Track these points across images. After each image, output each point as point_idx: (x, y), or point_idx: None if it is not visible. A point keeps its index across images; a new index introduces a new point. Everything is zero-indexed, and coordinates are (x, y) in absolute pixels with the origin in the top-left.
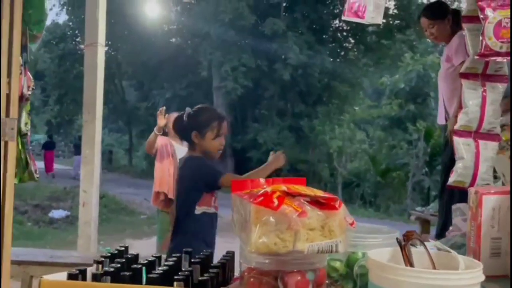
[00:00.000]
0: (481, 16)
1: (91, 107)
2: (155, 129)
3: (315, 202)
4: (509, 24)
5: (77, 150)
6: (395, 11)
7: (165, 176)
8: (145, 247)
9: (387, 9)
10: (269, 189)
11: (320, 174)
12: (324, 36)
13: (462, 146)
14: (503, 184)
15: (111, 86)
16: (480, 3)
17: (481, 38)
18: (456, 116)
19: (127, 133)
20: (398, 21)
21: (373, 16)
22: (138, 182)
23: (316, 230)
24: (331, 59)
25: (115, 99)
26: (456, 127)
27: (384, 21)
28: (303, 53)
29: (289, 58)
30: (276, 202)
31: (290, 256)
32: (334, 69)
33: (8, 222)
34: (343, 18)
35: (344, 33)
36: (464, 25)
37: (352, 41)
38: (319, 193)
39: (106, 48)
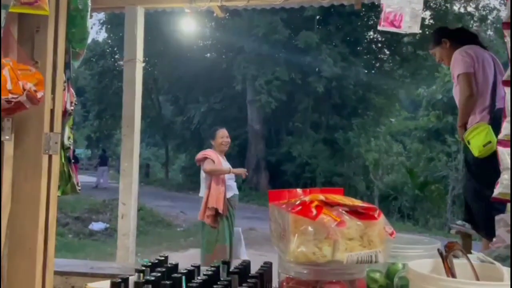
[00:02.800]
0: None
1: (129, 121)
2: (230, 169)
3: (354, 212)
4: None
5: (102, 161)
6: (431, 21)
7: (221, 193)
8: (182, 260)
9: (423, 19)
10: (307, 198)
11: (355, 187)
12: (358, 48)
13: (507, 156)
14: None
15: (148, 101)
16: None
17: None
18: (460, 126)
19: (164, 147)
20: None
21: (410, 26)
22: (174, 195)
23: (355, 240)
24: (366, 71)
25: (152, 114)
26: (500, 137)
27: (420, 31)
28: (337, 65)
29: (323, 70)
30: (314, 211)
31: (329, 266)
32: (369, 81)
33: (51, 234)
34: (379, 28)
35: (379, 45)
36: (505, 32)
37: (388, 52)
38: (358, 202)
39: (143, 64)
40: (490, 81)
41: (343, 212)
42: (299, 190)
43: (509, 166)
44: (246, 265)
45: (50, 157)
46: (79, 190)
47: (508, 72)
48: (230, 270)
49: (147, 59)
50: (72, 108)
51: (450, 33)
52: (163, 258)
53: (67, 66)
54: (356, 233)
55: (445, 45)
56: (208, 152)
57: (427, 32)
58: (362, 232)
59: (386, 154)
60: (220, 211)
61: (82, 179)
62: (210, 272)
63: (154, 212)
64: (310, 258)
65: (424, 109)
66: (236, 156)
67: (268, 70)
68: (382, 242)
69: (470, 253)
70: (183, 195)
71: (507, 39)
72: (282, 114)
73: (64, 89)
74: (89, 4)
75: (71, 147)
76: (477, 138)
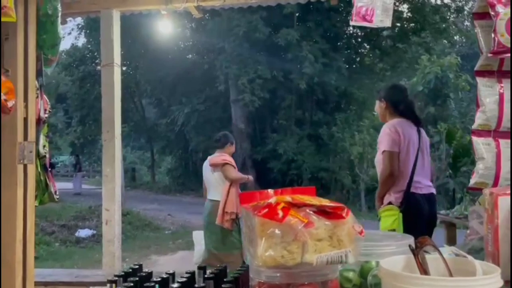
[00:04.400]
0: (492, 13)
1: (110, 126)
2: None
3: (322, 211)
4: None
5: (78, 167)
6: (409, 14)
7: (237, 198)
8: (171, 263)
9: (401, 12)
10: (273, 200)
11: (342, 181)
12: (338, 44)
13: (481, 146)
14: None
15: (131, 104)
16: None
17: (493, 35)
18: (378, 199)
19: (149, 150)
20: (413, 24)
21: (381, 19)
22: (162, 198)
23: (324, 240)
24: (347, 66)
25: (136, 117)
26: (473, 126)
27: (399, 24)
28: (318, 62)
29: (305, 67)
30: (281, 213)
31: (300, 268)
32: (350, 75)
33: (30, 245)
34: (351, 23)
35: (359, 39)
36: (476, 22)
37: (367, 46)
38: (326, 202)
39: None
40: (411, 163)
41: (311, 212)
42: (270, 191)
43: (484, 156)
44: (222, 270)
45: (25, 166)
46: (57, 199)
47: (480, 61)
48: (206, 275)
49: (128, 62)
50: (46, 115)
51: (390, 97)
52: (137, 266)
53: (39, 73)
54: (325, 233)
55: (383, 104)
56: (226, 157)
57: (405, 26)
58: (331, 232)
59: (371, 147)
60: (240, 215)
61: (67, 186)
62: (184, 279)
63: (141, 216)
64: (279, 262)
65: (409, 96)
66: None
67: (250, 69)
68: (352, 241)
69: (455, 242)
70: (170, 198)
71: (477, 29)
72: (266, 112)
73: (37, 97)
74: (59, 9)
75: (47, 156)
76: (386, 220)
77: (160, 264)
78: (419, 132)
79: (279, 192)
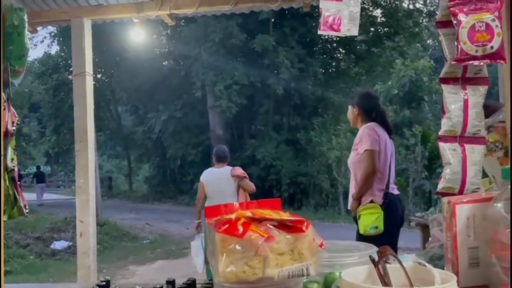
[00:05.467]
0: (455, 21)
1: (82, 136)
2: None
3: (283, 225)
4: (483, 28)
5: (39, 178)
6: (383, 19)
7: None
8: (150, 272)
9: (374, 17)
10: (233, 216)
11: (320, 185)
12: (314, 49)
13: (448, 151)
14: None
15: (107, 112)
16: (452, 8)
17: (456, 43)
18: (356, 199)
19: (126, 158)
20: (387, 29)
21: (348, 28)
22: (139, 207)
23: (286, 254)
24: (323, 71)
25: (112, 125)
26: (440, 133)
27: (373, 29)
28: (295, 67)
29: (281, 72)
30: (241, 229)
31: (262, 283)
32: (326, 80)
33: None
34: (319, 32)
35: (334, 44)
36: (439, 30)
37: (343, 51)
38: (285, 216)
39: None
40: (388, 164)
41: (272, 227)
42: (236, 205)
43: (450, 161)
44: (191, 284)
45: None
46: (27, 213)
47: (444, 69)
48: None
49: (103, 70)
50: (14, 128)
51: (363, 104)
52: (104, 282)
53: (6, 85)
54: (286, 247)
55: (356, 110)
56: (243, 171)
57: (379, 30)
58: (292, 246)
59: (348, 151)
60: None
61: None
62: None
63: (118, 225)
64: (241, 277)
65: (381, 104)
66: (200, 163)
67: (227, 75)
68: (313, 254)
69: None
70: (148, 206)
71: (441, 38)
72: (243, 118)
73: (4, 109)
74: (26, 19)
75: (16, 169)
76: (367, 218)
77: (139, 274)
78: (390, 137)
79: (244, 206)
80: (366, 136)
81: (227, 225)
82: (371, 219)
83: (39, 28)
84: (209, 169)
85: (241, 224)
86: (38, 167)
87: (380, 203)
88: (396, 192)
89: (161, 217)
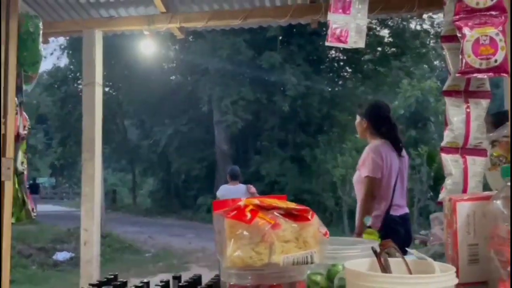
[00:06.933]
0: (459, 35)
1: (90, 145)
2: None
3: (289, 214)
4: (487, 42)
5: (33, 189)
6: (390, 39)
7: None
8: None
9: (382, 37)
10: (242, 203)
11: (325, 203)
12: (321, 67)
13: (450, 162)
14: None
15: (113, 125)
16: (457, 22)
17: (460, 56)
18: (358, 230)
19: (130, 171)
20: (394, 49)
21: (355, 41)
22: (142, 220)
23: (291, 242)
24: (329, 89)
25: (117, 139)
26: (442, 144)
27: (380, 49)
28: (301, 84)
29: (288, 89)
30: (249, 215)
31: (267, 269)
32: (332, 98)
33: (6, 264)
34: (326, 43)
35: (341, 63)
36: (444, 45)
37: (349, 70)
38: (292, 205)
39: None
40: (391, 186)
41: (278, 215)
42: (243, 199)
43: (452, 172)
44: (196, 279)
45: (2, 183)
46: (35, 216)
47: (448, 82)
48: (180, 284)
49: (110, 83)
50: (25, 132)
51: (372, 116)
52: (112, 276)
53: (19, 90)
54: (291, 235)
55: (364, 123)
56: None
57: (386, 50)
58: (297, 234)
59: (353, 170)
60: None
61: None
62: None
63: (121, 238)
64: (247, 262)
65: (393, 117)
66: (205, 178)
67: (233, 91)
68: (317, 242)
69: None
70: (152, 220)
71: (445, 52)
72: (249, 134)
73: (17, 113)
74: (41, 27)
75: (25, 172)
76: None
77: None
78: (399, 153)
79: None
80: (369, 161)
81: (235, 212)
82: None
83: (51, 39)
84: (224, 185)
85: (249, 211)
86: (33, 179)
87: (378, 228)
88: (399, 212)
89: (164, 231)
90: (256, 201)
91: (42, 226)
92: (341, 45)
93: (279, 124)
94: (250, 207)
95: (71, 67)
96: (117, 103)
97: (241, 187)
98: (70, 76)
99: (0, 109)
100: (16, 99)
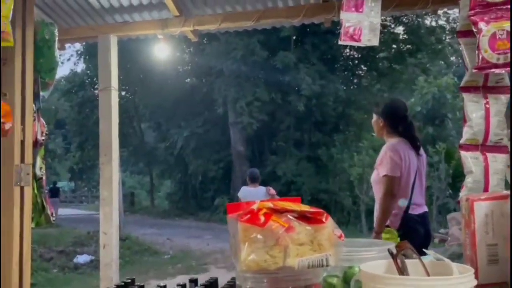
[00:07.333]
0: (475, 30)
1: (107, 150)
2: None
3: (303, 217)
4: (504, 36)
5: (53, 193)
6: (405, 36)
7: None
8: None
9: (396, 34)
10: (255, 206)
11: (342, 203)
12: (335, 65)
13: (470, 160)
14: None
15: (130, 129)
16: (473, 17)
17: (477, 51)
18: (378, 232)
19: (148, 174)
20: (409, 45)
21: (369, 39)
22: (161, 222)
23: (306, 245)
24: (345, 87)
25: (135, 142)
26: (461, 141)
27: (395, 46)
28: (316, 83)
29: (303, 89)
30: (262, 219)
31: (282, 272)
32: (348, 97)
33: (26, 268)
34: (339, 42)
35: (356, 61)
36: (460, 40)
37: (364, 68)
38: (306, 208)
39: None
40: (410, 185)
41: (292, 218)
42: (257, 201)
43: (472, 170)
44: (213, 282)
45: (22, 188)
46: (54, 220)
47: (465, 77)
48: (197, 286)
49: (127, 87)
50: (43, 138)
51: (389, 115)
52: (129, 280)
53: (36, 96)
54: (306, 238)
55: (380, 121)
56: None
57: (401, 47)
58: (312, 237)
59: (370, 168)
60: None
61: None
62: None
63: (140, 240)
64: (262, 266)
65: (409, 115)
66: (221, 179)
67: (248, 92)
68: (332, 245)
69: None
70: (170, 222)
71: (462, 47)
72: (264, 134)
73: (34, 120)
74: (56, 34)
75: (44, 177)
76: None
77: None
78: (417, 152)
79: (265, 202)
80: (387, 159)
81: (249, 215)
82: None
83: (67, 45)
84: (245, 187)
85: (262, 214)
86: (53, 183)
87: (397, 227)
88: (418, 211)
89: (182, 232)
90: (269, 204)
91: (63, 229)
92: (354, 43)
93: (294, 124)
94: (264, 210)
95: (88, 72)
96: (134, 106)
97: (261, 188)
98: (87, 81)
99: (18, 116)
100: (33, 105)
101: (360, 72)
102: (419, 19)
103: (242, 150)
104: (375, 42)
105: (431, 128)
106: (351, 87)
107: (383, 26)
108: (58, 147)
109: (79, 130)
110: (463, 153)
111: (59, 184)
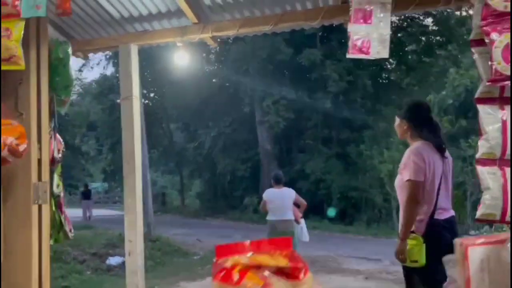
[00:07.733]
0: (487, 40)
1: (130, 158)
2: None
3: (281, 272)
4: None
5: (85, 195)
6: (434, 27)
7: None
8: None
9: (425, 26)
10: (229, 263)
11: (373, 200)
12: (363, 61)
13: (487, 175)
14: None
15: (159, 130)
16: (485, 28)
17: (490, 63)
18: (403, 239)
19: (178, 174)
20: (439, 37)
21: (378, 51)
22: (191, 222)
23: None
24: (373, 83)
25: (164, 142)
26: (478, 155)
27: (424, 38)
28: (343, 80)
29: (329, 85)
30: (236, 276)
31: None
32: (376, 92)
33: (46, 281)
34: (347, 56)
35: None
36: (473, 49)
37: (393, 62)
38: (283, 262)
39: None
40: (435, 189)
41: (269, 274)
42: (246, 243)
43: (490, 186)
44: None
45: (40, 206)
46: (72, 236)
47: (480, 88)
48: None
49: (155, 89)
50: (60, 155)
51: (412, 118)
52: None
53: (52, 114)
54: None
55: (403, 124)
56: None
57: (431, 39)
58: None
59: None
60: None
61: (99, 212)
62: None
63: (170, 241)
64: None
65: (436, 115)
66: (250, 178)
67: (274, 90)
68: None
69: None
70: (200, 222)
71: (476, 56)
72: (292, 133)
73: (51, 138)
74: (70, 52)
75: (62, 194)
76: (408, 251)
77: None
78: (442, 154)
79: (255, 244)
80: (410, 164)
81: (224, 273)
82: (411, 252)
83: (90, 55)
84: (270, 189)
85: (237, 271)
86: (85, 185)
87: (422, 233)
88: (445, 216)
89: (212, 232)
90: (246, 259)
91: (96, 230)
92: (363, 56)
93: (322, 121)
94: (239, 267)
95: (117, 75)
96: (162, 108)
97: (285, 189)
98: (117, 84)
99: (34, 134)
100: (49, 124)
101: (389, 66)
102: (449, 10)
103: (270, 149)
104: (384, 54)
105: (464, 121)
106: (380, 82)
107: (411, 19)
108: (91, 149)
109: (110, 132)
110: (479, 168)
111: (93, 185)
